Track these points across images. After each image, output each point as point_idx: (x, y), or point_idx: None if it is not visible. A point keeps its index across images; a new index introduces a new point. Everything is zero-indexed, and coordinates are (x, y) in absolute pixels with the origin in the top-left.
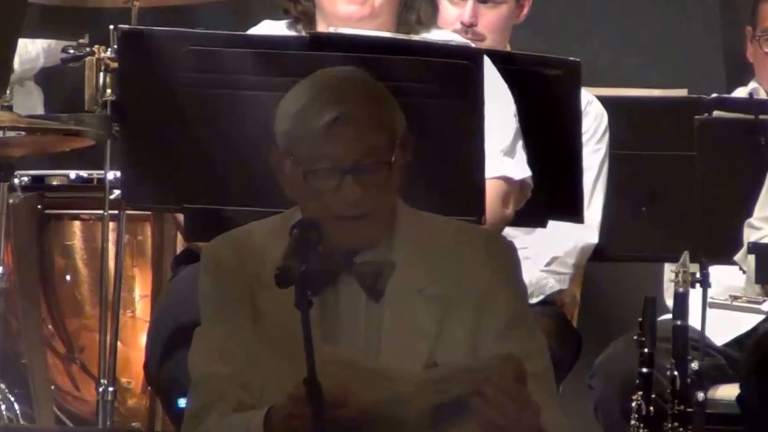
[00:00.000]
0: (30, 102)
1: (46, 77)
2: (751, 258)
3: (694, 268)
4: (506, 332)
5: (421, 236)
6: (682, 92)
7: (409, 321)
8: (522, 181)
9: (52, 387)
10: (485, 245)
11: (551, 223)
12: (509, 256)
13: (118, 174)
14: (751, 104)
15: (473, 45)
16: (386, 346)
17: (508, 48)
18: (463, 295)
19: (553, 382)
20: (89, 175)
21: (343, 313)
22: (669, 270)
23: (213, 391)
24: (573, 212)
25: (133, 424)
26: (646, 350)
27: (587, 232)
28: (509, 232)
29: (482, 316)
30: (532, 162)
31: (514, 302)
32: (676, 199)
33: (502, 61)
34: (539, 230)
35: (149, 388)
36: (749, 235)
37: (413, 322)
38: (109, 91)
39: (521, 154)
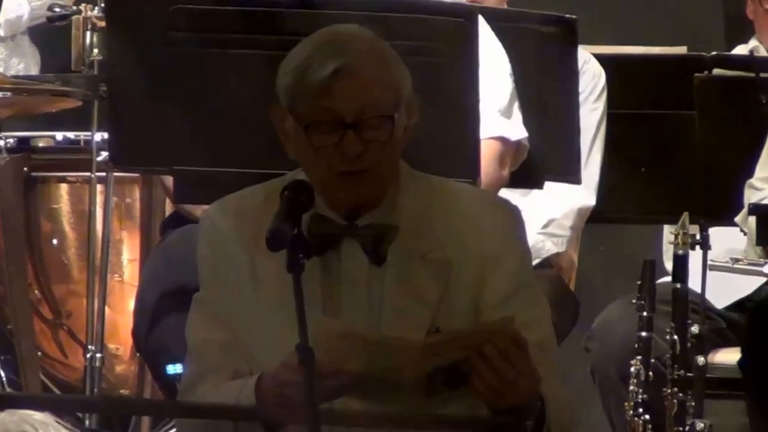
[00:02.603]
0: (25, 62)
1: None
2: (752, 219)
3: (694, 229)
4: (509, 300)
5: (425, 200)
6: (681, 50)
7: (411, 286)
8: (518, 142)
9: (39, 353)
10: (491, 210)
11: (548, 185)
12: (515, 221)
13: (106, 135)
14: (751, 62)
15: (470, 3)
16: (388, 312)
17: (505, 6)
18: (467, 261)
19: (554, 352)
20: (76, 136)
21: (344, 277)
22: (668, 232)
23: (209, 359)
24: (570, 173)
25: (121, 391)
26: (645, 314)
27: (585, 193)
28: (504, 193)
29: (486, 282)
30: (528, 122)
31: (518, 269)
32: (676, 159)
33: (498, 19)
34: (535, 192)
35: (138, 354)
36: (750, 196)
37: (416, 288)
38: (96, 50)
39: (517, 114)
